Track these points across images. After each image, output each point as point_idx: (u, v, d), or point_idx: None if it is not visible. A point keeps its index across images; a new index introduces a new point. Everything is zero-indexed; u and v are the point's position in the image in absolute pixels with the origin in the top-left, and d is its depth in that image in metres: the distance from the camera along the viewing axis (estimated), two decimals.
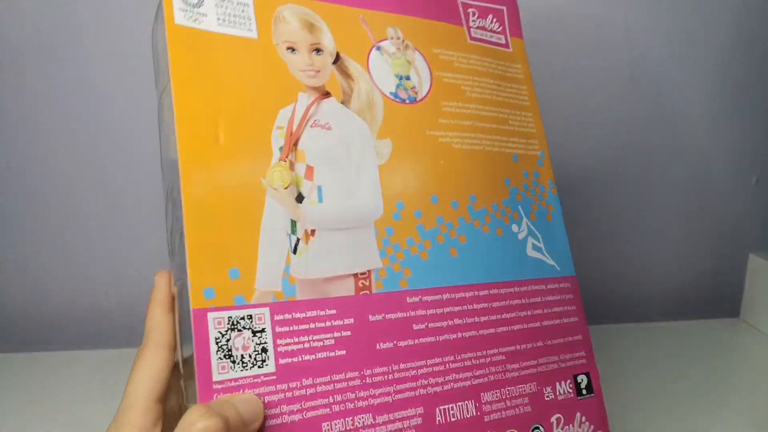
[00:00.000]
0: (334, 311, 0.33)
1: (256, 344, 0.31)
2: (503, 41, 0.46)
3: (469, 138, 0.41)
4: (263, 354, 0.31)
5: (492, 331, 0.38)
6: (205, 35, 0.34)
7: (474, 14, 0.45)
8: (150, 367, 0.31)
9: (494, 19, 0.46)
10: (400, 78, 0.40)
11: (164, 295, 0.34)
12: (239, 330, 0.30)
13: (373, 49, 0.39)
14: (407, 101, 0.39)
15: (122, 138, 0.56)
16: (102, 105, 0.54)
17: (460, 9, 0.44)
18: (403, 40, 0.40)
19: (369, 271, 0.35)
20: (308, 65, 0.36)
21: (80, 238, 0.58)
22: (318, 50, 0.37)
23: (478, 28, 0.44)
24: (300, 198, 0.34)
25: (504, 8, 0.46)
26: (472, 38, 0.44)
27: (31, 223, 0.57)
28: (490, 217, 0.40)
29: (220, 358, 0.30)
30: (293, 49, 0.36)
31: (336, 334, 0.33)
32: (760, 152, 0.63)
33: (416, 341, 0.35)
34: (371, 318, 0.34)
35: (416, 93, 0.40)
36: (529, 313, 0.40)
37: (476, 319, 0.38)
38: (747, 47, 0.61)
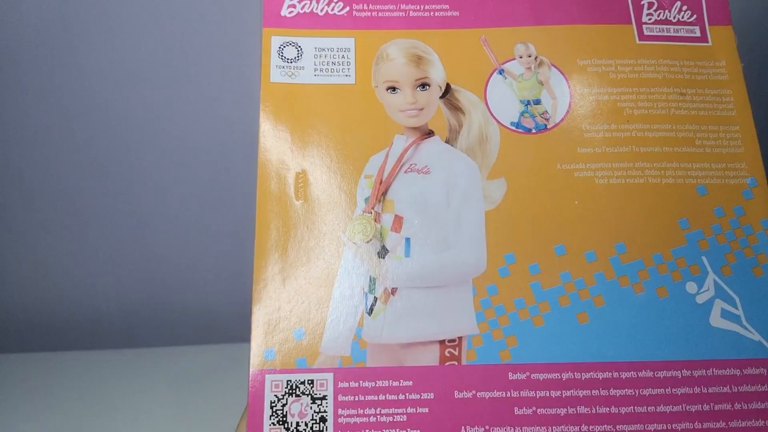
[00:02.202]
0: (410, 383, 0.29)
1: (315, 412, 0.29)
2: (697, 33, 0.34)
3: (623, 169, 0.32)
4: (321, 424, 0.29)
5: (639, 427, 0.28)
6: (300, 88, 0.33)
7: (651, 5, 0.35)
8: None
9: (683, 7, 0.35)
10: (527, 104, 0.33)
11: None
12: (297, 395, 0.29)
13: (494, 74, 0.34)
14: (534, 131, 0.33)
15: (122, 139, 0.54)
16: (102, 105, 0.53)
17: (629, 2, 0.35)
18: (536, 57, 0.34)
19: (460, 338, 0.30)
20: (410, 104, 0.33)
21: (80, 239, 0.57)
22: (424, 85, 0.33)
23: (655, 22, 0.34)
24: (383, 252, 0.31)
25: None
26: (643, 37, 0.34)
27: (30, 224, 0.57)
28: (647, 272, 0.30)
29: (273, 423, 0.29)
30: (394, 89, 0.33)
31: (410, 410, 0.29)
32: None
33: (517, 430, 0.28)
34: (457, 395, 0.29)
35: (547, 119, 0.33)
36: (707, 407, 0.29)
37: (614, 409, 0.29)
38: (747, 47, 0.52)
